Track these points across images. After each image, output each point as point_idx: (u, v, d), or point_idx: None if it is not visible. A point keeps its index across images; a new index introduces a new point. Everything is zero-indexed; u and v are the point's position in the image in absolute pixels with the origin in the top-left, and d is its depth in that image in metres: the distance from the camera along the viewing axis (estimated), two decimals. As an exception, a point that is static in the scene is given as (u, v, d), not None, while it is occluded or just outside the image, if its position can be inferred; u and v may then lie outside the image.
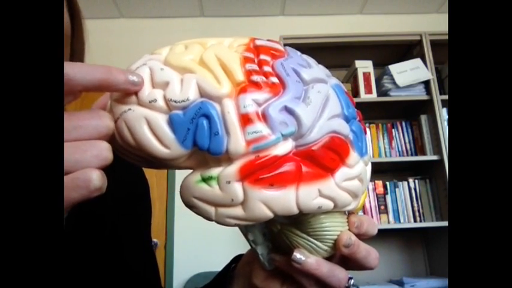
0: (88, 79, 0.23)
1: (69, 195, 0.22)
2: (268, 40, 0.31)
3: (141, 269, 0.50)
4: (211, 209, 0.26)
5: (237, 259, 0.41)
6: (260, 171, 0.25)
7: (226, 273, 0.41)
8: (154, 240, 1.92)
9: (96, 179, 0.23)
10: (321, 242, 0.30)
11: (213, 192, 0.26)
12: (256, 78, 0.26)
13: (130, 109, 0.26)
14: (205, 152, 0.25)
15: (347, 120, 0.29)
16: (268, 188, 0.25)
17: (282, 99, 0.26)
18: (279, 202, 0.25)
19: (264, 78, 0.27)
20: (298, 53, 0.31)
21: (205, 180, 0.26)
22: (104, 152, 0.23)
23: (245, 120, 0.25)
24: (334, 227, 0.30)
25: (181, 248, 2.01)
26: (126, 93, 0.26)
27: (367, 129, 1.93)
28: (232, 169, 0.25)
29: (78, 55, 0.50)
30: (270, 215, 0.26)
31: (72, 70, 0.23)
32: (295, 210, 0.26)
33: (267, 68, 0.27)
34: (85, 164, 0.23)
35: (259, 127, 0.25)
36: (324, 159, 0.27)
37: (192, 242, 2.00)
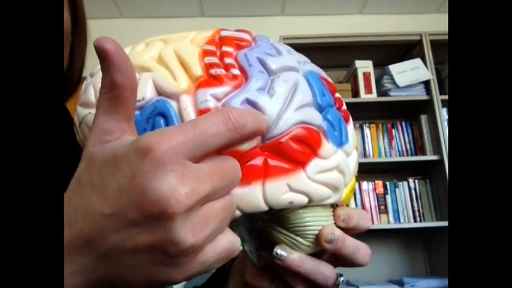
0: (255, 127, 0.23)
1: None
2: (237, 30, 0.29)
3: None
4: None
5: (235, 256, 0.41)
6: None
7: (223, 270, 0.41)
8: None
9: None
10: (303, 237, 0.28)
11: None
12: (215, 71, 0.25)
13: (90, 113, 0.25)
14: None
15: (321, 109, 0.28)
16: None
17: (243, 92, 0.25)
18: (244, 199, 0.24)
19: (224, 71, 0.25)
20: (271, 40, 0.30)
21: None
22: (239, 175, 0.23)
23: None
24: (316, 222, 0.28)
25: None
26: None
27: (367, 129, 1.93)
28: None
29: (79, 56, 0.49)
30: (237, 213, 0.25)
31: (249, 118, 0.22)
32: (264, 207, 0.25)
33: (228, 60, 0.26)
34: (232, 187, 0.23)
35: None
36: (292, 152, 0.25)
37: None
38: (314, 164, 0.26)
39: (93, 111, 0.25)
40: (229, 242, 0.22)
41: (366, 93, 1.86)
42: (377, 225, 1.77)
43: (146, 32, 2.28)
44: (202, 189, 0.20)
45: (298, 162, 0.26)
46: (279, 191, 0.25)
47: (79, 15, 0.47)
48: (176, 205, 0.19)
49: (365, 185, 1.86)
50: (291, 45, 0.31)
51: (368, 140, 1.91)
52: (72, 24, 0.45)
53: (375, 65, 1.92)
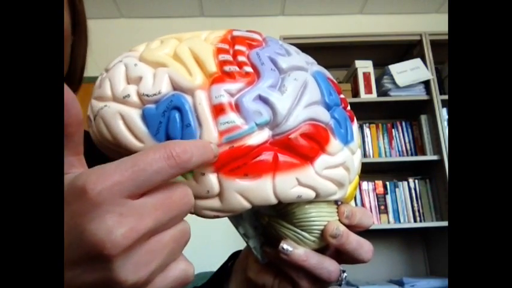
0: (200, 160, 0.23)
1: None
2: (248, 31, 0.30)
3: None
4: None
5: (236, 255, 0.41)
6: (234, 161, 0.25)
7: (225, 269, 0.41)
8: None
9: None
10: (308, 232, 0.29)
11: (189, 184, 0.25)
12: (229, 68, 0.26)
13: (106, 106, 0.26)
14: None
15: (328, 107, 0.29)
16: (243, 178, 0.25)
17: (255, 89, 0.26)
18: (255, 192, 0.25)
19: (237, 68, 0.26)
20: (280, 42, 0.31)
21: None
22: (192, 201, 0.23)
23: (217, 110, 0.25)
24: (321, 217, 0.29)
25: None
26: None
27: (367, 129, 1.93)
28: None
29: (81, 56, 0.49)
30: (247, 205, 0.25)
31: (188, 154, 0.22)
32: (273, 200, 0.26)
33: (241, 58, 0.27)
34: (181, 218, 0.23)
35: (231, 117, 0.25)
36: (301, 147, 0.26)
37: (191, 242, 1.99)
38: (322, 160, 0.27)
39: (110, 104, 0.26)
40: (181, 270, 0.22)
41: (366, 93, 1.86)
42: (377, 225, 1.77)
43: (146, 32, 2.28)
44: (142, 226, 0.20)
45: (307, 158, 0.27)
46: (288, 184, 0.26)
47: (79, 15, 0.47)
48: (112, 248, 0.19)
49: (365, 185, 1.86)
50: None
51: (368, 140, 1.91)
52: (72, 24, 0.45)
53: (375, 65, 1.92)
